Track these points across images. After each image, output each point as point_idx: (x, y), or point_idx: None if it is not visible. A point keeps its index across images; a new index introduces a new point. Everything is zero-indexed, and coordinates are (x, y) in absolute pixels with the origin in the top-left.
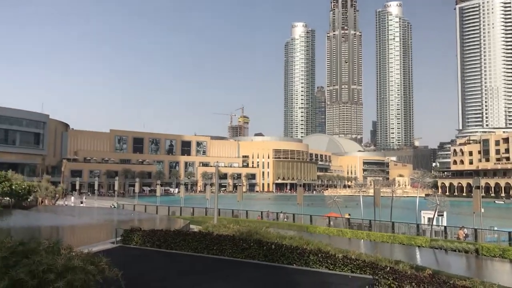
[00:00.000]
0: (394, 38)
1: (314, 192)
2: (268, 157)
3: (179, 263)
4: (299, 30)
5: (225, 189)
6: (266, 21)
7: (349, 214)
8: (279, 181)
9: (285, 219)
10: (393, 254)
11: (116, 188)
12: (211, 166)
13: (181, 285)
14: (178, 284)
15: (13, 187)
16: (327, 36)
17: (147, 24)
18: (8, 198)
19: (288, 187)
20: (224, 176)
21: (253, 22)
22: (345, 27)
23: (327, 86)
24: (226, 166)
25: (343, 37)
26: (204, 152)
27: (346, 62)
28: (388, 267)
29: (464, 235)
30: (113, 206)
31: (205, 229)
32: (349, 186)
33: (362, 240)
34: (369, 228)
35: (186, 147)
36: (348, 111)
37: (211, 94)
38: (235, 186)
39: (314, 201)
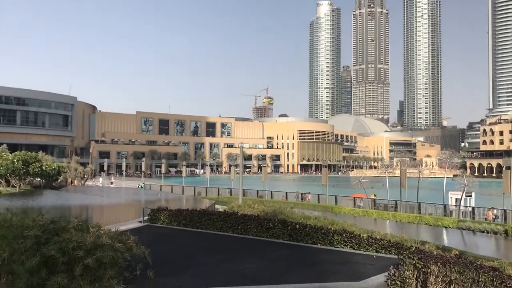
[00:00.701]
0: (422, 15)
1: (339, 173)
2: (293, 138)
3: (204, 242)
4: (324, 8)
5: (250, 170)
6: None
7: (375, 195)
8: (304, 162)
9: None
10: (419, 235)
11: (143, 169)
12: (236, 148)
13: (207, 262)
14: (204, 261)
15: (44, 168)
16: (353, 15)
17: (173, 3)
18: (39, 179)
19: (313, 168)
20: (248, 157)
21: (278, 1)
22: (372, 5)
23: (353, 66)
24: (250, 148)
25: (369, 15)
26: (228, 134)
27: (373, 41)
28: (414, 247)
29: (493, 216)
30: (140, 187)
31: (230, 209)
32: (375, 167)
33: (388, 220)
34: (395, 209)
35: (211, 128)
36: (374, 91)
37: (235, 76)
38: (259, 167)
39: (339, 182)
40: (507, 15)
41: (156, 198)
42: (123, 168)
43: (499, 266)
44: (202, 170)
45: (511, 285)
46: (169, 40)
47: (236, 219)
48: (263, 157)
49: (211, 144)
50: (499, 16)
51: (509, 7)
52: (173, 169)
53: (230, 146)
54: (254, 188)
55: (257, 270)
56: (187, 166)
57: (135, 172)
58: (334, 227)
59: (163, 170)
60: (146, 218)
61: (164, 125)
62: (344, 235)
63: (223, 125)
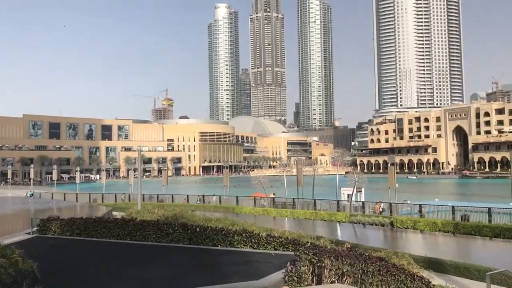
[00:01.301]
0: (315, 21)
1: (240, 173)
2: (194, 140)
3: (100, 251)
4: (222, 11)
5: (150, 174)
6: (189, 1)
7: (274, 194)
8: (206, 164)
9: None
10: (315, 230)
11: (31, 176)
12: (134, 151)
13: (102, 272)
14: (98, 271)
15: None
16: (250, 18)
17: (63, 6)
18: None
19: (215, 169)
20: (148, 161)
21: (176, 3)
22: (268, 9)
23: (252, 69)
24: (150, 151)
25: (266, 19)
26: (126, 137)
27: (270, 45)
28: (309, 243)
29: (380, 209)
30: (28, 195)
31: (128, 215)
32: (274, 167)
33: (286, 218)
34: (292, 206)
35: (106, 131)
36: (272, 93)
37: (134, 77)
38: (160, 171)
39: (240, 182)
40: (389, 22)
41: (47, 207)
42: (9, 175)
43: (386, 256)
44: (97, 176)
45: (395, 272)
46: (63, 42)
47: (134, 225)
48: (164, 160)
49: (107, 148)
50: (382, 24)
51: (390, 15)
52: (65, 175)
53: (128, 149)
54: (155, 193)
55: (156, 276)
56: (81, 172)
57: (23, 179)
58: (235, 228)
59: (55, 176)
60: (35, 229)
61: (55, 128)
62: (244, 235)
63: (120, 128)
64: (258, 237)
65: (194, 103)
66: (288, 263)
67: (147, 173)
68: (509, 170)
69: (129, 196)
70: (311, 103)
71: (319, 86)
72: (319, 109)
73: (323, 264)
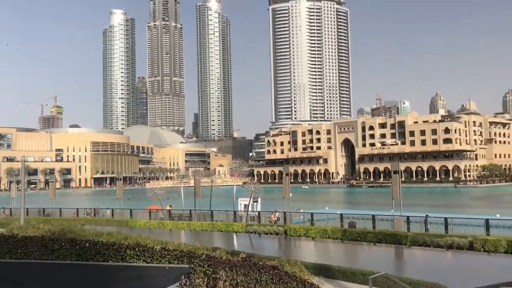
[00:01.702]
0: (214, 33)
1: (135, 185)
2: (86, 150)
3: None
4: (118, 17)
5: (35, 187)
6: (84, 6)
7: (170, 206)
8: (98, 175)
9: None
10: (212, 242)
11: None
12: (18, 161)
13: None
14: None
15: None
16: (148, 26)
17: None
18: None
19: (108, 181)
20: (34, 172)
21: (70, 5)
22: (166, 19)
23: (149, 77)
24: (36, 161)
25: (164, 28)
26: (8, 146)
27: (168, 54)
28: (204, 255)
29: (275, 218)
30: None
31: (9, 231)
32: (171, 178)
33: (183, 230)
34: (189, 218)
35: None
36: (170, 103)
37: (19, 82)
38: (47, 183)
39: (135, 194)
40: (284, 39)
41: None
42: None
43: (279, 264)
44: None
45: (287, 280)
46: None
47: (15, 242)
48: (52, 171)
49: None
50: (278, 40)
51: (285, 31)
52: None
53: (10, 160)
54: (41, 206)
55: None
56: None
57: None
58: (128, 242)
59: None
60: None
61: None
62: (137, 249)
63: (1, 137)
64: (152, 250)
65: (86, 112)
66: (183, 276)
67: (33, 186)
68: (391, 180)
69: (11, 211)
70: (210, 114)
71: (218, 97)
72: (218, 120)
73: (218, 276)
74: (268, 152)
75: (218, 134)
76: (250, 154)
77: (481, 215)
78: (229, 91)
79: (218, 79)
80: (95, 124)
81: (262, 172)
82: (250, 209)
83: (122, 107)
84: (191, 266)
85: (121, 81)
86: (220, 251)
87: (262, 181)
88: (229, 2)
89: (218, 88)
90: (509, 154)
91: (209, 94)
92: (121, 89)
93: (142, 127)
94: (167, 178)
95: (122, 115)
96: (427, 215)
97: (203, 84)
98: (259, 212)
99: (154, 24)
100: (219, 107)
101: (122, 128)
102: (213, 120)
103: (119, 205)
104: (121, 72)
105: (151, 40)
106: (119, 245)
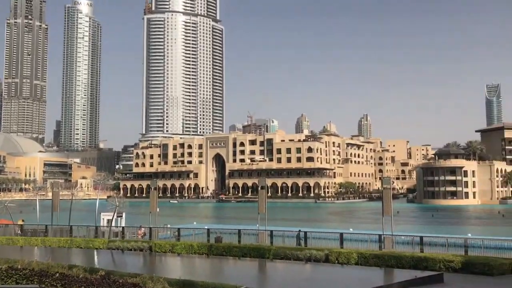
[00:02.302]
0: (83, 37)
1: None
2: None
3: None
4: None
5: None
6: None
7: (23, 220)
8: None
9: None
10: (70, 259)
11: None
12: None
13: None
14: None
15: None
16: (7, 23)
17: None
18: None
19: None
20: None
21: None
22: (30, 17)
23: (5, 79)
24: None
25: (26, 27)
26: None
27: (29, 55)
28: (58, 274)
29: (142, 234)
30: None
31: None
32: (26, 190)
33: (37, 247)
34: (45, 233)
35: None
36: (29, 108)
37: None
38: None
39: None
40: (159, 51)
41: None
42: None
43: (141, 281)
44: None
45: None
46: None
47: None
48: None
49: None
50: (152, 51)
51: (160, 44)
52: None
53: None
54: None
55: None
56: None
57: None
58: None
59: None
60: None
61: None
62: None
63: None
64: None
65: None
66: None
67: None
68: (258, 195)
69: None
70: (74, 122)
71: (84, 105)
72: (83, 129)
73: None
74: (137, 165)
75: (83, 144)
76: (117, 166)
77: (336, 229)
78: (97, 99)
79: (86, 86)
80: None
81: (129, 186)
82: (113, 224)
83: None
84: (41, 286)
85: None
86: (77, 269)
87: (129, 195)
88: (102, 6)
89: (85, 95)
90: (362, 173)
91: (75, 100)
92: None
93: None
94: (21, 189)
95: None
96: (299, 230)
97: (68, 89)
98: (123, 227)
99: (15, 22)
100: (84, 115)
101: None
102: (77, 129)
103: None
104: None
105: (11, 39)
106: None
